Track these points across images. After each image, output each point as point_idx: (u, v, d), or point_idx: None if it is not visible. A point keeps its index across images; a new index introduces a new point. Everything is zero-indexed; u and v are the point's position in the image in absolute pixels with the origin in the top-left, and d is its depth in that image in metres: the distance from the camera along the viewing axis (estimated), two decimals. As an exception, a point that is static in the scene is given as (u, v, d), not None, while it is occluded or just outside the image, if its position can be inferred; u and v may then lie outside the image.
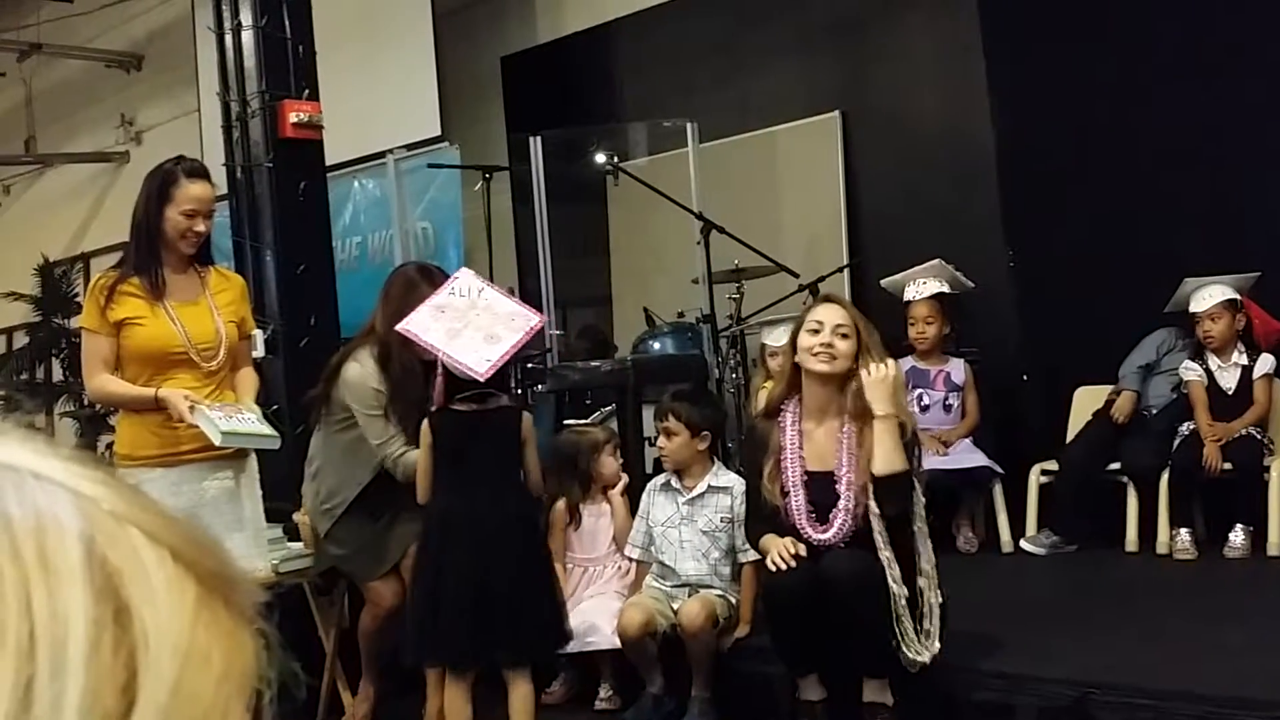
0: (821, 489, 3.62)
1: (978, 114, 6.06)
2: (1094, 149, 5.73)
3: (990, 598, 3.86)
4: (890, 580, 3.48)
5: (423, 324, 3.68)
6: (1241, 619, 4.11)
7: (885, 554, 3.49)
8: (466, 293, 3.78)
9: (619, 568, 4.41)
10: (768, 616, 3.73)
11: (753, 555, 4.13)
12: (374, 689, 4.29)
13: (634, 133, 7.15)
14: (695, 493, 4.19)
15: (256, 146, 5.70)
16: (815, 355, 3.62)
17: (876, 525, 3.51)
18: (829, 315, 3.66)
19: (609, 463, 4.43)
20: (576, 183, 6.99)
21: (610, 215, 7.63)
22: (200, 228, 3.78)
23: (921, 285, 5.61)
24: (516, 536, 3.80)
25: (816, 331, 3.63)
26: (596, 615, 4.22)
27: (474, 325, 3.69)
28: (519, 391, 5.72)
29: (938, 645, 3.53)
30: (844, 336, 3.62)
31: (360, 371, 4.14)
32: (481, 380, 3.71)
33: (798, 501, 3.63)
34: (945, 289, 5.62)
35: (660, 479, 4.33)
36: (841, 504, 3.59)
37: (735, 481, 4.22)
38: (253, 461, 3.94)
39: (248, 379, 3.98)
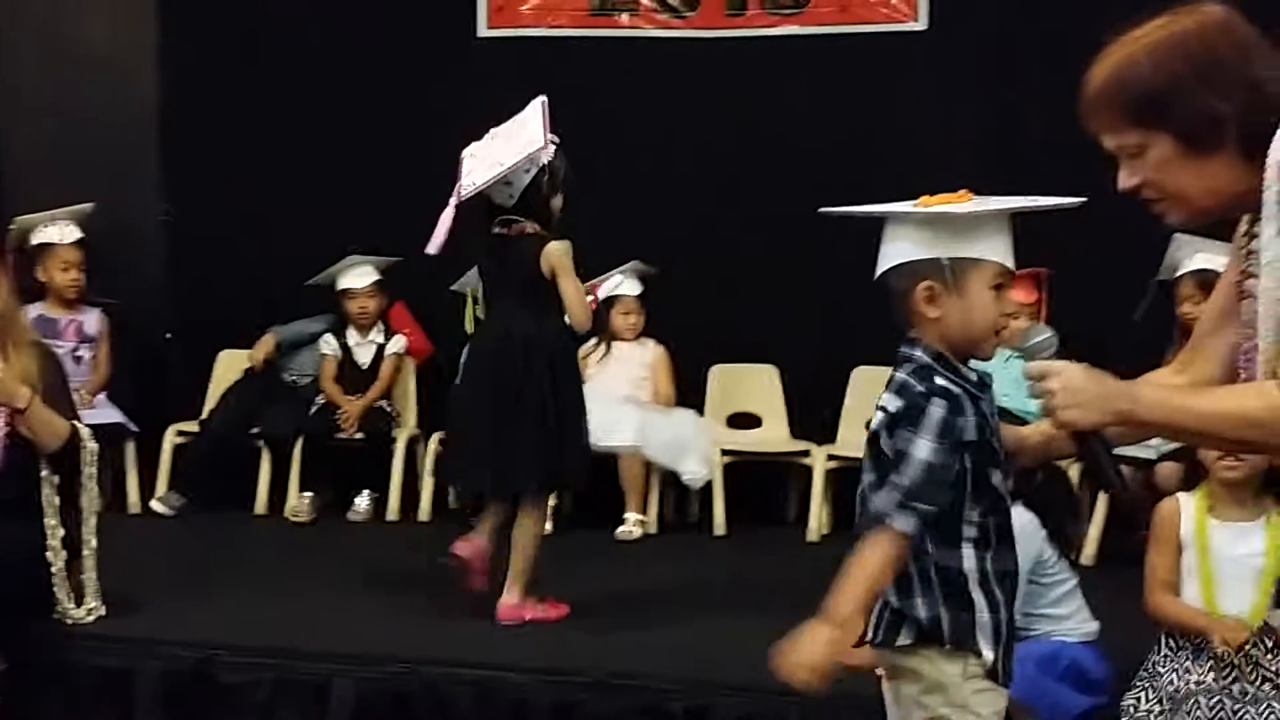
0: None
1: (144, 54, 5.77)
2: (270, 109, 5.63)
3: (114, 560, 3.71)
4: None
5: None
6: (364, 582, 4.31)
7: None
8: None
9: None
10: None
11: None
12: None
13: None
14: None
15: None
16: None
17: None
18: None
19: None
20: None
21: None
22: None
23: (66, 229, 5.36)
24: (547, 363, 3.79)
25: None
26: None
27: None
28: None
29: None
30: None
31: None
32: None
33: None
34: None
35: None
36: None
37: None
38: None
39: None
